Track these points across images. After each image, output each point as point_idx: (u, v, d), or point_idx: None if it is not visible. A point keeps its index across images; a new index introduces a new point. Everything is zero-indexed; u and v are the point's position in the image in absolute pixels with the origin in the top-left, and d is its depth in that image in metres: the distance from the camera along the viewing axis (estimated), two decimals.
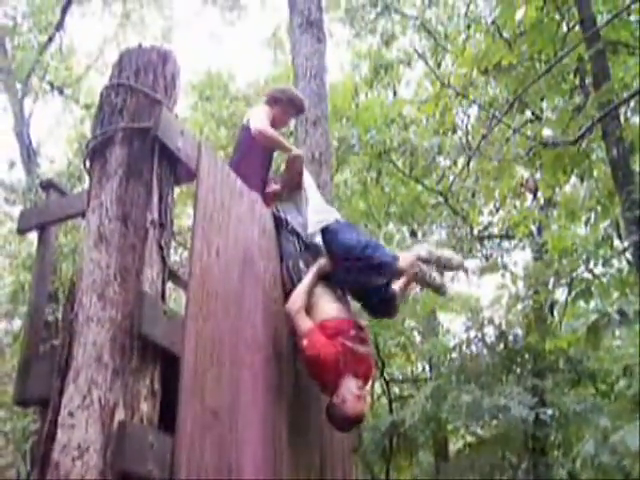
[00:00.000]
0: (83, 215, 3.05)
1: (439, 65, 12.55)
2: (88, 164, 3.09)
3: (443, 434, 9.80)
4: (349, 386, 3.05)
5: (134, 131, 2.97)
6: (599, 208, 6.92)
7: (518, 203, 10.12)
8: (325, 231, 3.66)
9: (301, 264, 3.56)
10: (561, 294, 9.12)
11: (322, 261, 3.54)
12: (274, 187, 4.05)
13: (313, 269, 3.47)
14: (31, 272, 5.99)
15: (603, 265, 6.60)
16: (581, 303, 6.80)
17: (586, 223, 7.83)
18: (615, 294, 6.15)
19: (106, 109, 3.07)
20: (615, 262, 6.93)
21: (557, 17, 6.79)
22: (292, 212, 3.80)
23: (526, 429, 7.34)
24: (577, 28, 6.27)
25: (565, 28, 6.64)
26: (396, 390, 12.07)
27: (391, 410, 10.30)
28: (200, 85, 13.34)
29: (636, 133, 5.75)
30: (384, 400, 11.37)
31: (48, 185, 3.75)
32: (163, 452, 2.45)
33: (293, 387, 3.32)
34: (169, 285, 3.20)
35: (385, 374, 10.70)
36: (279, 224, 3.68)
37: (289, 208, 3.82)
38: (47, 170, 11.64)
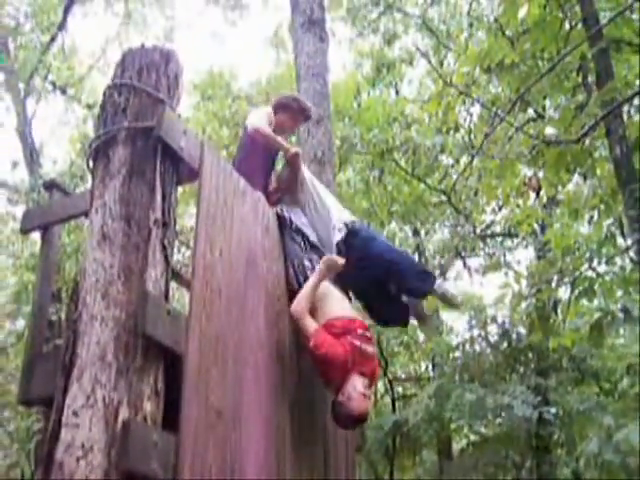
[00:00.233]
0: (86, 215, 3.05)
1: (441, 64, 12.55)
2: (91, 164, 3.09)
3: (446, 433, 9.79)
4: (355, 384, 3.05)
5: (137, 131, 2.97)
6: (602, 206, 6.90)
7: (521, 201, 10.10)
8: (355, 232, 3.69)
9: (306, 263, 3.55)
10: (564, 292, 9.12)
11: (331, 260, 3.46)
12: (274, 185, 4.07)
13: (321, 268, 3.41)
14: (34, 272, 6.01)
15: (606, 263, 6.59)
16: (584, 301, 6.80)
17: (589, 221, 7.81)
18: (618, 292, 6.15)
19: (109, 109, 3.07)
20: (618, 260, 6.93)
21: (560, 15, 6.77)
22: (296, 211, 3.80)
23: (530, 428, 7.33)
24: (580, 26, 6.26)
25: (568, 26, 6.62)
26: (399, 389, 12.06)
27: (394, 409, 10.32)
28: (202, 84, 13.35)
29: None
30: (387, 399, 11.38)
31: (51, 185, 3.76)
32: (167, 451, 2.46)
33: (296, 387, 3.32)
34: (172, 284, 3.20)
35: (388, 373, 10.71)
36: (283, 223, 3.68)
37: (293, 208, 3.83)
38: (50, 170, 11.63)
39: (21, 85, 12.67)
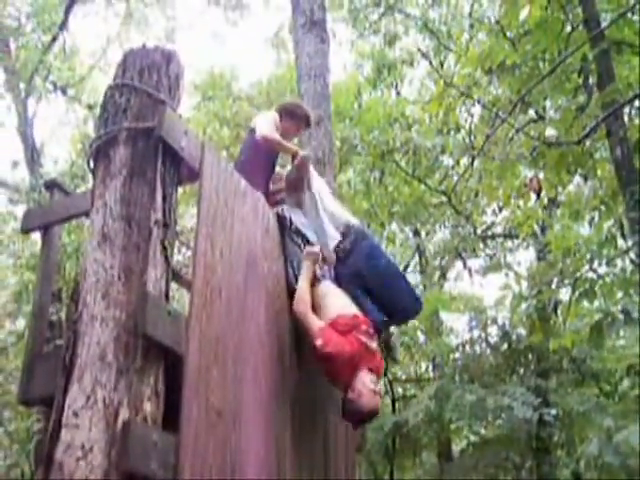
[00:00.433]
0: (87, 215, 3.05)
1: (442, 65, 12.56)
2: (92, 164, 3.09)
3: (446, 434, 9.79)
4: (364, 381, 3.06)
5: (138, 131, 2.98)
6: (603, 208, 6.91)
7: (522, 203, 10.09)
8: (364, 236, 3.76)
9: None
10: (565, 294, 9.11)
11: (311, 251, 3.48)
12: (278, 185, 4.07)
13: (306, 263, 3.44)
14: (35, 272, 6.00)
15: (607, 265, 6.59)
16: (585, 303, 6.80)
17: (590, 223, 7.81)
18: (619, 294, 6.15)
19: (110, 109, 3.07)
20: (619, 262, 6.92)
21: (561, 17, 6.78)
22: (297, 213, 3.80)
23: (530, 429, 7.34)
24: (581, 28, 6.26)
25: (569, 28, 6.63)
26: (399, 390, 12.05)
27: (394, 410, 10.30)
28: (203, 85, 13.34)
29: None
30: (387, 400, 11.37)
31: (52, 185, 3.76)
32: (167, 451, 2.45)
33: (296, 387, 3.32)
34: (173, 285, 3.20)
35: (389, 374, 10.70)
36: (283, 224, 3.68)
37: (294, 209, 3.83)
38: (51, 170, 11.63)
39: (22, 85, 12.68)
